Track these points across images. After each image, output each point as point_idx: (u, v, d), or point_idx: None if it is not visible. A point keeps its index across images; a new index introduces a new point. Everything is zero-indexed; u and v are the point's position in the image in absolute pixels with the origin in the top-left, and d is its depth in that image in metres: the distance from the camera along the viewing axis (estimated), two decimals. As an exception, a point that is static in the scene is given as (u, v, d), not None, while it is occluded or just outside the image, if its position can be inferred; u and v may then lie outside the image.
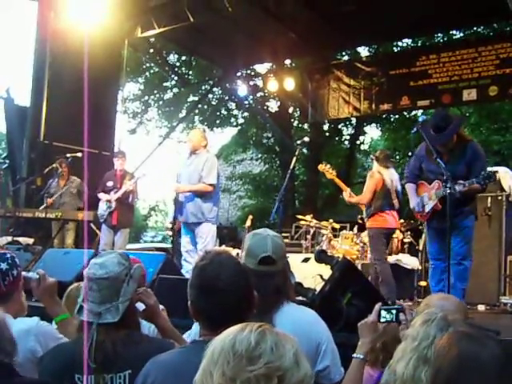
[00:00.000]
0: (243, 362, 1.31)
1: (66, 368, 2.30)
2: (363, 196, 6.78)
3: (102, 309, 2.32)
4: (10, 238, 7.98)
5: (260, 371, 1.29)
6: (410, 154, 14.68)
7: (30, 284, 2.88)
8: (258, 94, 17.60)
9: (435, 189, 5.19)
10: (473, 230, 5.29)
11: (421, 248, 7.77)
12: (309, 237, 9.57)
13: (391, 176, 6.68)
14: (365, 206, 6.77)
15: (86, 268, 2.43)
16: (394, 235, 8.91)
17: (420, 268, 7.57)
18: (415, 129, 5.11)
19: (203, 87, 18.06)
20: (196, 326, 2.68)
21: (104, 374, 2.26)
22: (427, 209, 5.29)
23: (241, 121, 20.19)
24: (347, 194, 7.17)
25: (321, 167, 7.66)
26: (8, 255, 2.76)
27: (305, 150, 17.47)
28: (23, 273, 2.88)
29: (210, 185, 6.70)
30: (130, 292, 2.38)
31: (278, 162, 19.19)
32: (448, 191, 4.71)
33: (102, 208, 8.32)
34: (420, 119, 5.20)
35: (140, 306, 2.63)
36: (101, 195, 8.42)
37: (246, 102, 18.16)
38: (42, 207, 8.39)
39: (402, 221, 8.95)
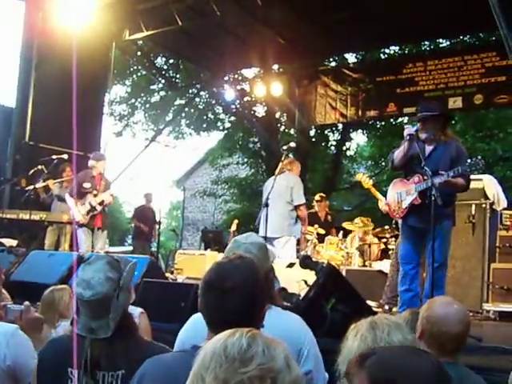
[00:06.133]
0: (236, 364, 1.30)
1: (61, 362, 2.32)
2: None
3: (95, 325, 2.32)
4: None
5: (253, 373, 1.29)
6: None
7: (13, 315, 2.84)
8: (245, 99, 17.60)
9: (415, 183, 5.15)
10: (450, 236, 5.24)
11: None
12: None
13: None
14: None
15: (73, 273, 2.43)
16: (378, 242, 8.99)
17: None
18: (408, 137, 5.13)
19: (190, 91, 18.03)
20: (182, 333, 2.69)
21: (96, 370, 2.27)
22: (405, 204, 5.22)
23: (227, 125, 20.18)
24: (383, 204, 7.30)
25: (358, 176, 7.84)
26: None
27: (291, 155, 17.47)
28: (8, 305, 2.87)
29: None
30: (121, 305, 2.37)
31: (264, 167, 19.18)
32: (431, 182, 4.68)
33: (81, 212, 8.00)
34: (414, 128, 5.20)
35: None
36: (70, 199, 8.12)
37: (233, 107, 18.14)
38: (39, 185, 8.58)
39: (386, 227, 9.02)
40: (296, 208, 7.26)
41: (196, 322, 2.62)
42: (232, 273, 2.00)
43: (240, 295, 1.95)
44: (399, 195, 5.33)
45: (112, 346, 2.31)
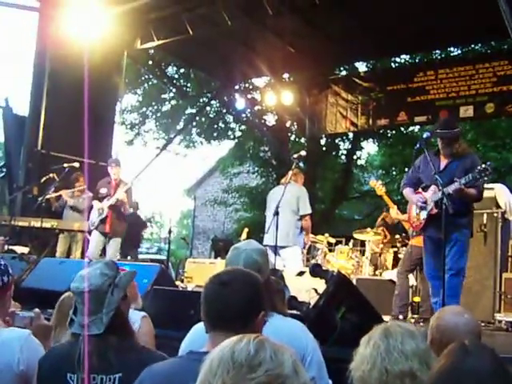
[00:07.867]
0: (243, 370, 1.30)
1: (60, 367, 2.35)
2: None
3: (88, 321, 2.35)
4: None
5: (261, 379, 1.29)
6: (406, 169, 14.70)
7: (23, 322, 2.84)
8: (256, 108, 17.61)
9: (431, 194, 5.16)
10: (467, 246, 5.23)
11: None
12: (304, 251, 9.55)
13: None
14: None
15: None
16: (391, 251, 8.94)
17: (415, 284, 7.55)
18: (418, 145, 5.12)
19: (201, 100, 18.08)
20: (185, 343, 2.69)
21: (94, 374, 2.29)
22: (423, 215, 5.23)
23: (238, 134, 20.19)
24: (395, 212, 7.33)
25: (372, 183, 7.89)
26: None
27: (301, 164, 17.45)
28: (17, 311, 2.88)
29: None
30: (115, 301, 2.40)
31: (274, 176, 19.15)
32: (440, 196, 4.72)
33: (95, 215, 8.26)
34: (424, 136, 5.18)
35: None
36: (94, 203, 8.39)
37: (244, 116, 18.17)
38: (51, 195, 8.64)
39: (397, 236, 8.97)
40: (301, 218, 7.27)
41: (197, 331, 2.63)
42: (233, 272, 2.12)
43: (238, 290, 2.00)
44: (418, 206, 5.34)
45: (104, 343, 2.33)
